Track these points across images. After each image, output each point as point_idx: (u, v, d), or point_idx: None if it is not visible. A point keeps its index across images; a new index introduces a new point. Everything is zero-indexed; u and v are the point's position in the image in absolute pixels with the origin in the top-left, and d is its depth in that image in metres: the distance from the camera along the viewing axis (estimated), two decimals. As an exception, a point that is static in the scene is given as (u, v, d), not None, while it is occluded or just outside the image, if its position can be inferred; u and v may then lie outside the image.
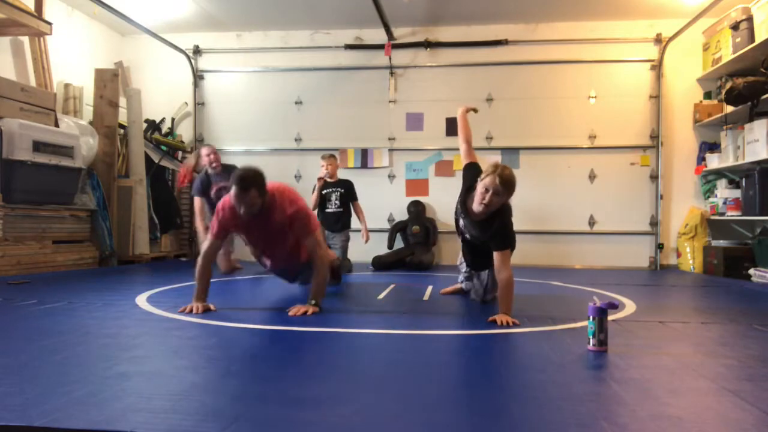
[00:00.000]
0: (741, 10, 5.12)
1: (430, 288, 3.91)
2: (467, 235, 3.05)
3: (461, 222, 3.04)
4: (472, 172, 2.93)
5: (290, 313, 2.70)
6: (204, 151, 4.90)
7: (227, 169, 4.67)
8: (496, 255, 2.75)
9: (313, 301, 2.81)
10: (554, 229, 6.22)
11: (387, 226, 6.40)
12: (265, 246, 3.16)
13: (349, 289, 3.99)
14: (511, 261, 2.77)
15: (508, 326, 2.48)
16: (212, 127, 6.78)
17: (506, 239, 2.78)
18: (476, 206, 2.73)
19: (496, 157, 6.27)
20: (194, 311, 2.72)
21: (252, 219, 2.86)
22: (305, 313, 2.72)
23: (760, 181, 4.86)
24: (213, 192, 4.77)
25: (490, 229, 2.78)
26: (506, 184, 2.63)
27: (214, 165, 4.82)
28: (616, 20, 6.14)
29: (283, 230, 2.97)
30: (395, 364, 1.88)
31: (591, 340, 2.02)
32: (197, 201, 4.82)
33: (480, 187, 2.68)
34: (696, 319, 2.78)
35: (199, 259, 2.87)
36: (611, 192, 6.18)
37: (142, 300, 3.14)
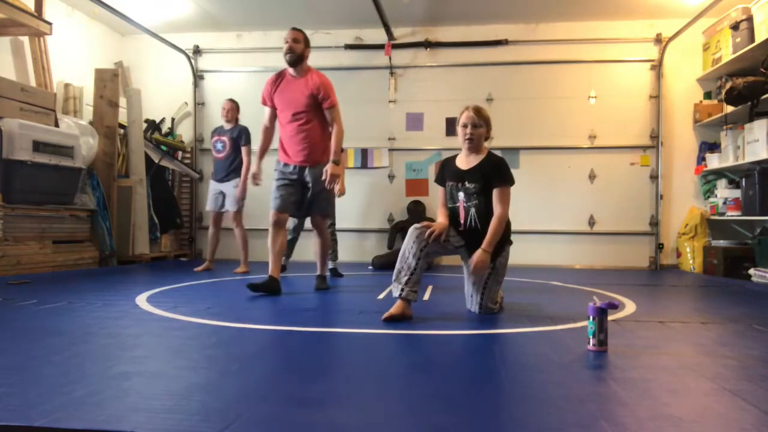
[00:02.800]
0: (741, 10, 5.12)
1: (430, 288, 3.92)
2: (466, 208, 2.80)
3: (460, 195, 2.82)
4: (440, 168, 3.02)
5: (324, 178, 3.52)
6: (223, 103, 5.22)
7: (236, 128, 5.07)
8: (496, 191, 2.74)
9: (334, 159, 3.52)
10: (554, 229, 6.22)
11: (387, 226, 6.40)
12: (293, 115, 3.59)
13: (349, 289, 3.99)
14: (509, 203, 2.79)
15: (481, 274, 2.72)
16: (212, 127, 6.71)
17: (506, 172, 2.78)
18: (463, 146, 2.85)
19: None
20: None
21: (287, 84, 3.59)
22: (333, 178, 3.50)
23: (760, 181, 4.86)
24: (212, 141, 5.19)
25: (489, 169, 2.78)
26: (479, 111, 2.82)
27: (226, 117, 5.14)
28: (616, 20, 6.14)
29: (311, 98, 3.53)
30: (395, 364, 1.88)
31: (591, 340, 2.02)
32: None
33: (459, 129, 2.84)
34: (696, 319, 2.78)
35: (261, 132, 3.79)
36: (611, 192, 6.18)
37: (142, 300, 3.14)
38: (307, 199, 3.68)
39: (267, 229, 3.63)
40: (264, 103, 3.72)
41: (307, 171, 3.62)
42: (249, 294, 3.44)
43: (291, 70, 3.61)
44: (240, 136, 5.01)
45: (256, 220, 6.14)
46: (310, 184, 3.64)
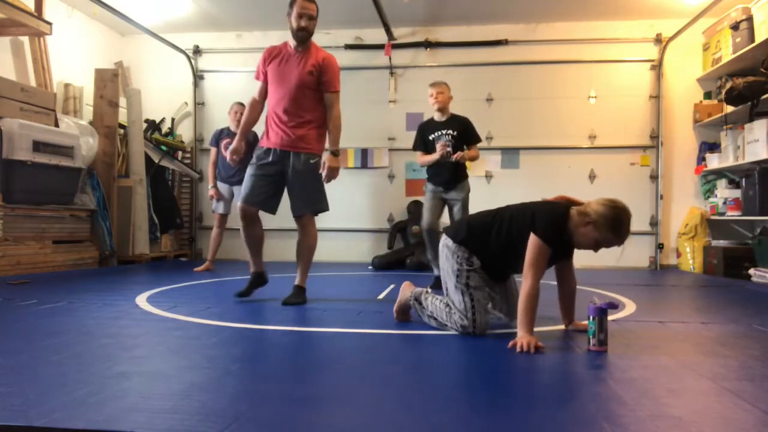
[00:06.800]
0: (741, 10, 5.12)
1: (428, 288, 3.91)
2: None
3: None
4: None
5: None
6: (235, 107, 5.21)
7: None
8: (567, 262, 2.56)
9: (334, 150, 3.12)
10: (554, 229, 6.21)
11: (387, 226, 6.40)
12: (284, 90, 3.14)
13: (349, 289, 3.99)
14: None
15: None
16: (212, 127, 6.73)
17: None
18: (584, 248, 2.47)
19: (496, 157, 6.25)
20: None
21: (287, 57, 3.15)
22: (333, 172, 3.08)
23: (760, 181, 4.86)
24: (223, 144, 5.10)
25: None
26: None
27: (238, 121, 5.12)
28: (616, 20, 6.14)
29: (310, 75, 3.10)
30: (395, 364, 1.88)
31: (591, 340, 2.02)
32: (212, 151, 5.28)
33: (594, 241, 2.42)
34: (696, 319, 2.78)
35: (247, 106, 3.35)
36: (611, 192, 6.02)
37: (142, 300, 3.14)
38: (293, 193, 3.16)
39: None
40: (257, 77, 3.28)
41: (290, 158, 3.12)
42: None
43: (293, 43, 3.14)
44: (256, 139, 4.98)
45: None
46: (289, 175, 3.13)
